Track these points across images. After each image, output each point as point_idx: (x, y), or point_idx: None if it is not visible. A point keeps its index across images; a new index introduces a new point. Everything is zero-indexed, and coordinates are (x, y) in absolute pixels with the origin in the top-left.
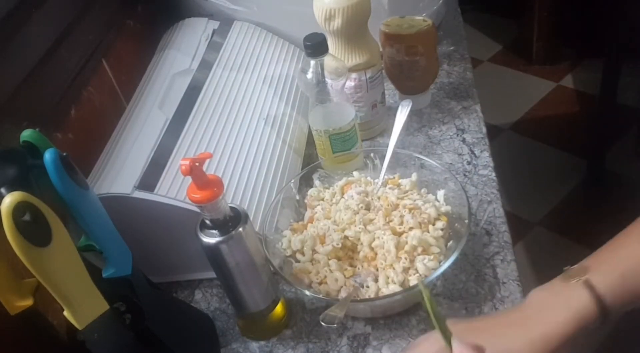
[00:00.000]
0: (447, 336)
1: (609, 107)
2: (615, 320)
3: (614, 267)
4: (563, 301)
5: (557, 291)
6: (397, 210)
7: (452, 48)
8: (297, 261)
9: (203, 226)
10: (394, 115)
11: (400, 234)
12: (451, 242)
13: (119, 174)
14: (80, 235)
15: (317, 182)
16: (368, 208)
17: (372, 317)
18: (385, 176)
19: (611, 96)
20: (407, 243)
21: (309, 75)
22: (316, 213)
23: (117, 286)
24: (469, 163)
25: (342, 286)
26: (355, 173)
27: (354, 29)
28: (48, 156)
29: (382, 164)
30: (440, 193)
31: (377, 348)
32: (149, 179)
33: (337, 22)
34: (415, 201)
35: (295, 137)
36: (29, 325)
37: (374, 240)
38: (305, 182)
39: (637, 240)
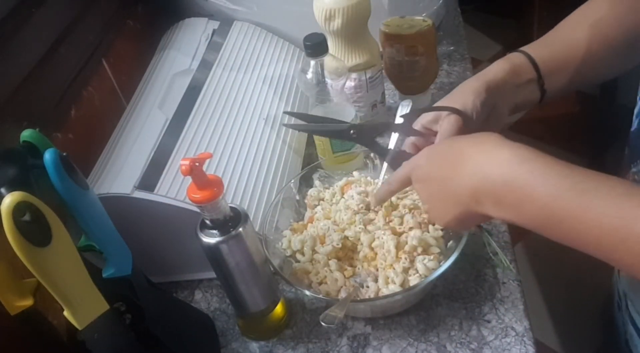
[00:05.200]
0: None
1: (609, 107)
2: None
3: (539, 42)
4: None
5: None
6: (397, 210)
7: (452, 48)
8: (297, 261)
9: (203, 226)
10: (394, 115)
11: (400, 234)
12: (451, 242)
13: (119, 174)
14: (80, 235)
15: (317, 182)
16: (368, 208)
17: (372, 317)
18: (385, 176)
19: (611, 96)
20: (407, 243)
21: (309, 75)
22: (316, 213)
23: (117, 286)
24: None
25: (342, 287)
26: (355, 173)
27: (354, 29)
28: (48, 156)
29: (382, 164)
30: None
31: (377, 348)
32: (149, 179)
33: (337, 22)
34: (415, 201)
35: (295, 137)
36: (29, 325)
37: (374, 240)
38: (305, 182)
39: (566, 26)
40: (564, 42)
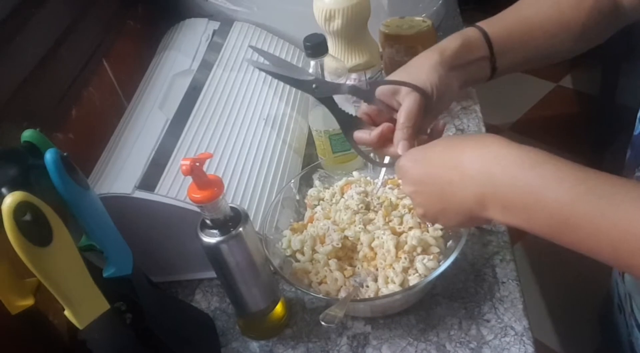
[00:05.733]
0: None
1: (609, 107)
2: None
3: (497, 18)
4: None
5: None
6: (396, 210)
7: None
8: (297, 261)
9: (203, 226)
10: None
11: (400, 234)
12: (451, 242)
13: (120, 174)
14: (81, 235)
15: (317, 182)
16: (368, 208)
17: (371, 316)
18: (385, 176)
19: (611, 96)
20: (406, 243)
21: None
22: (316, 213)
23: (118, 286)
24: None
25: (341, 286)
26: (355, 173)
27: (354, 30)
28: (49, 156)
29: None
30: None
31: (377, 348)
32: (150, 179)
33: (337, 23)
34: None
35: (295, 137)
36: (29, 324)
37: (373, 239)
38: (305, 182)
39: (524, 4)
40: (520, 20)
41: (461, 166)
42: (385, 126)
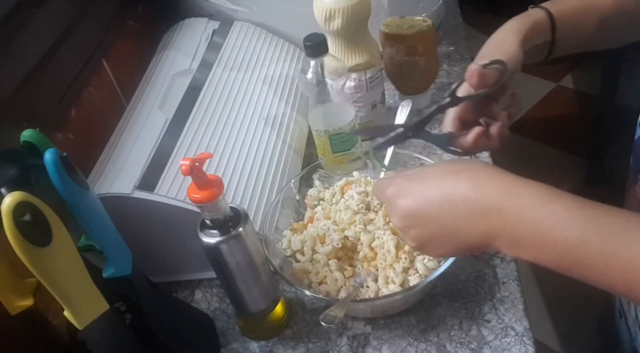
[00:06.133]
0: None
1: (609, 107)
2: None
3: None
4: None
5: None
6: None
7: (452, 48)
8: (297, 261)
9: (203, 226)
10: (394, 115)
11: None
12: None
13: (119, 174)
14: (81, 235)
15: (317, 182)
16: (368, 208)
17: (372, 316)
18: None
19: (611, 96)
20: None
21: (309, 75)
22: (316, 213)
23: (118, 286)
24: None
25: (342, 286)
26: (355, 173)
27: (354, 29)
28: (48, 156)
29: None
30: None
31: (377, 348)
32: (149, 179)
33: (337, 23)
34: None
35: (295, 137)
36: (29, 325)
37: (374, 240)
38: (305, 182)
39: None
40: (581, 5)
41: (467, 201)
42: (477, 129)
